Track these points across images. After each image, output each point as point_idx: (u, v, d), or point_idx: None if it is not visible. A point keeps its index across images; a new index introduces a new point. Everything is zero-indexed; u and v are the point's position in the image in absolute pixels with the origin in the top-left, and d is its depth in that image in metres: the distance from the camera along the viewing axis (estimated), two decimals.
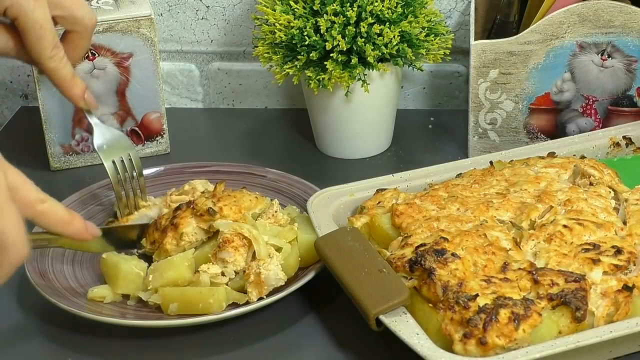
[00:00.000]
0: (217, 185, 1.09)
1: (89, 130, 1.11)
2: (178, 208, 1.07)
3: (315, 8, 1.20)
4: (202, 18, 1.40)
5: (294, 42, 1.20)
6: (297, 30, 1.19)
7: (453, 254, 0.95)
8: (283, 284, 1.00)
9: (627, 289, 0.92)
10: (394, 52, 1.20)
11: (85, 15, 1.07)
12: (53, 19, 1.05)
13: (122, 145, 1.13)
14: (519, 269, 0.93)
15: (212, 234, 1.05)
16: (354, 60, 1.19)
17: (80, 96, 1.09)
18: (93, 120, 1.13)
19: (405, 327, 0.90)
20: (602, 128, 1.22)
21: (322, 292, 1.03)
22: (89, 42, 1.10)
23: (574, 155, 1.15)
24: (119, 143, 1.13)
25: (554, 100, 1.23)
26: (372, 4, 1.18)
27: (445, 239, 0.96)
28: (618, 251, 0.95)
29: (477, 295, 0.90)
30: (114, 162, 1.12)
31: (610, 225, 0.99)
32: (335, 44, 1.18)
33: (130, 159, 1.13)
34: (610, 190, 1.05)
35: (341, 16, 1.18)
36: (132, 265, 1.02)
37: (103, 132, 1.13)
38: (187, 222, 1.04)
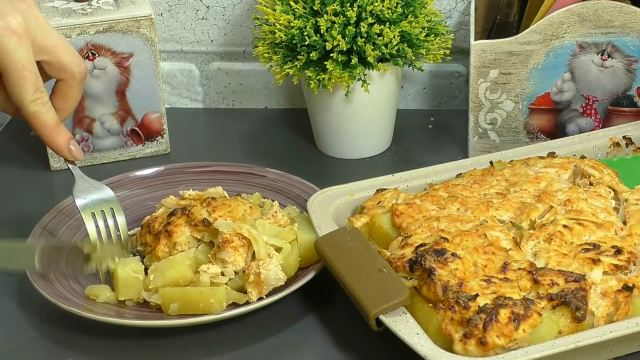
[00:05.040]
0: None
1: (90, 131, 1.08)
2: (172, 214, 1.06)
3: (315, 8, 1.20)
4: (202, 18, 1.40)
5: (294, 42, 1.20)
6: (297, 30, 1.19)
7: (453, 254, 0.94)
8: (283, 284, 1.00)
9: (627, 289, 0.92)
10: (394, 52, 1.20)
11: (72, 61, 1.01)
12: (39, 66, 0.99)
13: (106, 199, 1.06)
14: (519, 269, 0.93)
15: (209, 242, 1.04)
16: (354, 60, 1.19)
17: (64, 145, 1.02)
18: (76, 173, 1.06)
19: (405, 327, 0.90)
20: (602, 128, 1.22)
21: (322, 292, 1.03)
22: (79, 92, 1.03)
23: (574, 155, 1.15)
24: (102, 198, 1.05)
25: (554, 100, 1.23)
26: (372, 4, 1.18)
27: (445, 239, 0.96)
28: (618, 251, 0.95)
29: (477, 295, 0.90)
30: (94, 215, 1.04)
31: (610, 225, 0.99)
32: (335, 44, 1.18)
33: (114, 215, 1.05)
34: (610, 190, 1.05)
35: (341, 16, 1.18)
36: (129, 269, 1.01)
37: (86, 187, 1.05)
38: (181, 232, 1.04)
